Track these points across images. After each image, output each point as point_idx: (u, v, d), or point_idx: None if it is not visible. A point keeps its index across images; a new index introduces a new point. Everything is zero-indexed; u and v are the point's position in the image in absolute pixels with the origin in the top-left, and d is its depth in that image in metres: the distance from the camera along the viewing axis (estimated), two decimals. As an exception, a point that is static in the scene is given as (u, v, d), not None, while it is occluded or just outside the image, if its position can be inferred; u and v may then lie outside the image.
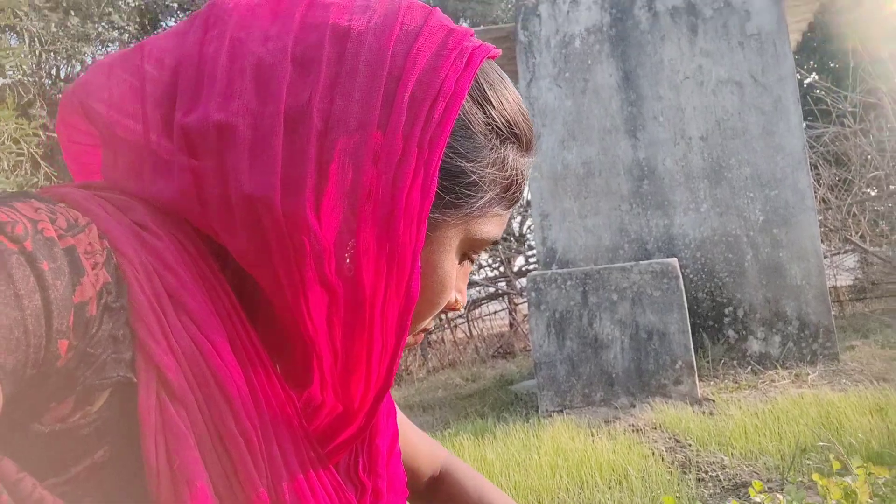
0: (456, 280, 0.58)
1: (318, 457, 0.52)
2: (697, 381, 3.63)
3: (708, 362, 4.16)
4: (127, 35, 6.58)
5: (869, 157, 7.15)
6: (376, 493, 0.61)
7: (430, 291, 0.55)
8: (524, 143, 0.56)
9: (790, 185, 4.28)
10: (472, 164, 0.52)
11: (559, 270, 3.92)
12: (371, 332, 0.50)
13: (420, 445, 0.87)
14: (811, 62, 12.25)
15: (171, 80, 0.50)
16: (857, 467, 1.63)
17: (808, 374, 3.79)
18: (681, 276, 3.71)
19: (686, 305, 3.67)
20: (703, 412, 3.29)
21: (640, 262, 3.82)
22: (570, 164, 4.63)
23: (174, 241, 0.47)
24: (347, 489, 0.58)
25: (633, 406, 3.55)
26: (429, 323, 0.59)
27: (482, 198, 0.53)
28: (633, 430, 3.14)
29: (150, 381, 0.44)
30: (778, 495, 1.63)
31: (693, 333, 3.73)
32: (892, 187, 7.35)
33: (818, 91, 7.88)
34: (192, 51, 0.50)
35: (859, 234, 7.00)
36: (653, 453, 2.77)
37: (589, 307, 3.74)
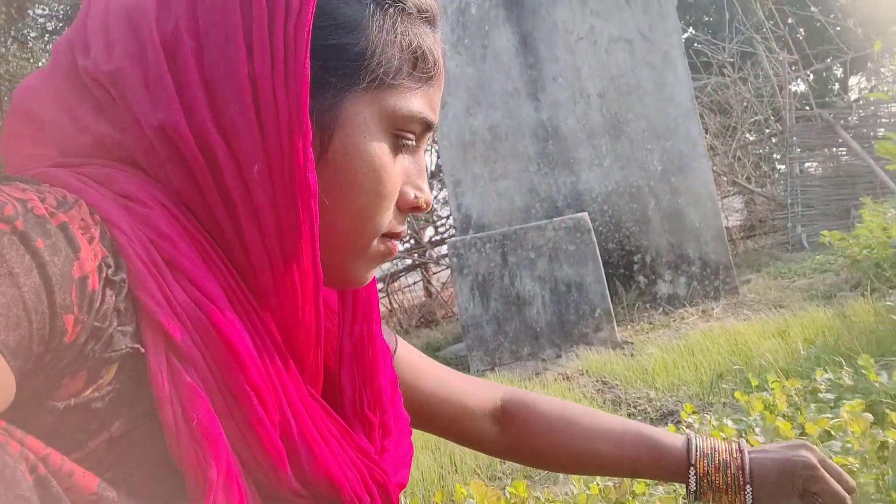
0: (408, 175, 0.58)
1: (320, 405, 0.54)
2: (616, 327, 3.84)
3: (623, 308, 4.39)
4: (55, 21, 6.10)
5: (747, 103, 7.64)
6: (384, 428, 0.64)
7: (361, 177, 0.54)
8: (416, 11, 0.56)
9: (683, 135, 4.53)
10: (352, 34, 0.52)
11: (478, 234, 4.02)
12: (280, 228, 0.51)
13: (461, 384, 0.86)
14: (688, 17, 12.83)
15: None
16: (773, 381, 1.81)
17: (714, 309, 4.08)
18: (592, 229, 3.89)
19: (599, 256, 3.86)
20: (625, 354, 3.50)
21: (554, 219, 3.97)
22: (477, 130, 4.72)
23: (159, 206, 0.48)
24: (355, 430, 0.60)
25: (559, 356, 3.72)
26: (391, 223, 0.58)
27: (378, 66, 0.53)
28: (563, 378, 3.30)
29: (159, 347, 0.45)
30: (705, 416, 1.78)
31: (607, 282, 3.93)
32: (767, 131, 7.89)
33: (697, 44, 8.31)
34: (82, 15, 0.54)
35: (745, 176, 7.49)
36: (584, 396, 2.93)
37: (509, 267, 3.87)
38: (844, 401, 1.65)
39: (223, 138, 0.49)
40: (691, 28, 13.02)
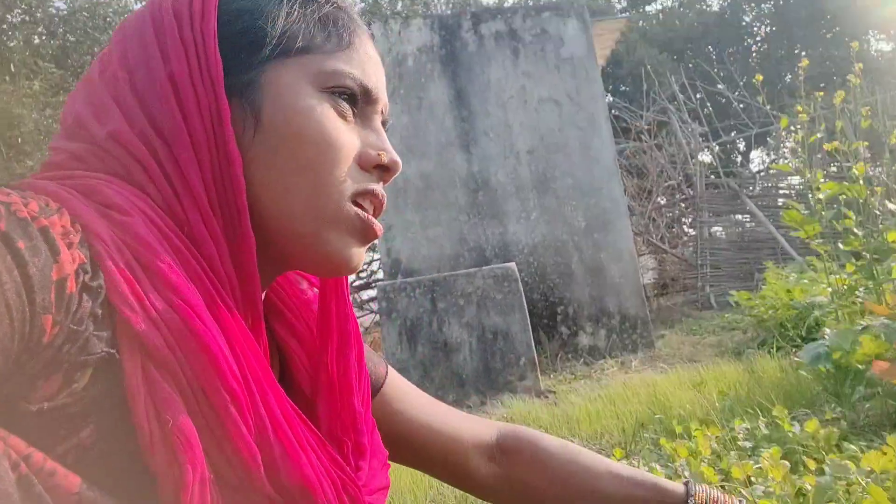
0: (365, 140, 0.59)
1: (296, 412, 0.53)
2: (539, 375, 3.91)
3: (546, 357, 4.49)
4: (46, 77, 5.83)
5: (662, 168, 8.08)
6: (358, 448, 0.63)
7: (299, 130, 0.55)
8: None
9: (606, 194, 4.75)
10: (256, 17, 0.57)
11: (408, 279, 4.05)
12: (214, 205, 0.53)
13: (455, 417, 0.82)
14: (607, 84, 13.56)
15: None
16: (695, 430, 1.90)
17: (632, 361, 4.23)
18: (519, 279, 3.99)
19: (525, 306, 3.95)
20: (548, 402, 3.57)
21: (483, 267, 4.05)
22: (410, 178, 4.79)
23: (140, 215, 0.49)
24: (328, 445, 0.59)
25: (484, 403, 3.75)
26: (357, 182, 0.58)
27: (285, 35, 0.56)
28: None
29: (134, 352, 0.45)
30: (632, 461, 1.85)
31: (532, 331, 4.02)
32: (679, 195, 8.35)
33: (615, 110, 8.77)
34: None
35: (658, 236, 7.87)
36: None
37: (438, 313, 3.90)
38: (762, 449, 1.75)
39: (160, 136, 0.53)
40: (609, 95, 13.75)
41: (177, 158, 0.52)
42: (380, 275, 6.83)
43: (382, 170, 0.59)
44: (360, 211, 0.58)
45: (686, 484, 0.78)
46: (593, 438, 2.84)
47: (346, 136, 0.57)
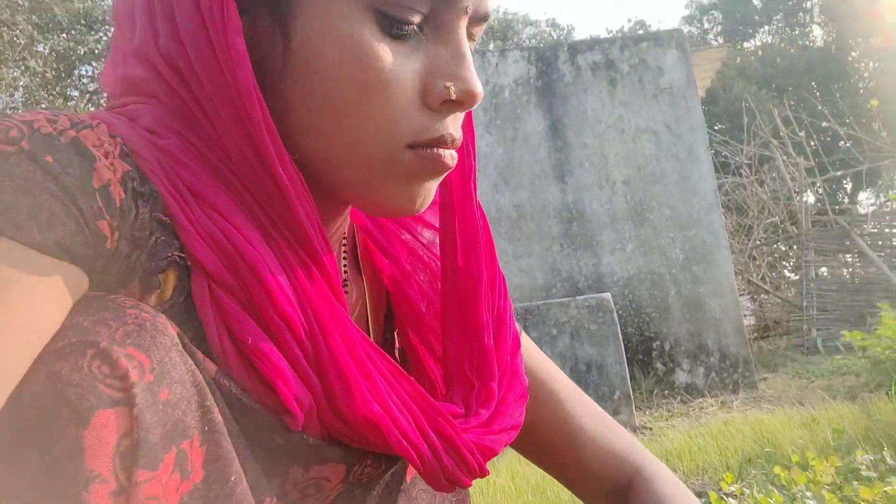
0: (433, 63, 0.46)
1: (369, 343, 0.48)
2: (634, 410, 3.79)
3: (641, 393, 4.34)
4: (41, 79, 6.42)
5: (763, 205, 7.78)
6: (486, 393, 0.55)
7: (337, 67, 0.45)
8: None
9: (705, 226, 4.60)
10: None
11: (500, 307, 4.04)
12: (238, 128, 0.45)
13: (599, 441, 0.67)
14: (708, 119, 13.25)
15: None
16: (812, 459, 1.78)
17: (733, 401, 4.03)
18: (615, 310, 3.90)
19: (621, 338, 3.85)
20: (644, 438, 3.44)
21: (577, 297, 3.99)
22: (504, 208, 4.81)
23: (183, 141, 0.45)
24: (453, 391, 0.55)
25: (577, 436, 3.66)
26: (418, 126, 0.47)
27: None
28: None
29: (198, 270, 0.43)
30: (745, 489, 1.75)
31: (626, 366, 3.91)
32: (782, 234, 8.00)
33: (714, 144, 8.55)
34: None
35: (760, 276, 7.54)
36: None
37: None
38: (888, 480, 1.62)
39: (184, 52, 0.46)
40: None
41: (201, 81, 0.45)
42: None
43: (455, 104, 0.47)
44: (425, 156, 0.47)
45: None
46: (694, 474, 2.71)
47: (400, 68, 0.45)
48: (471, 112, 0.52)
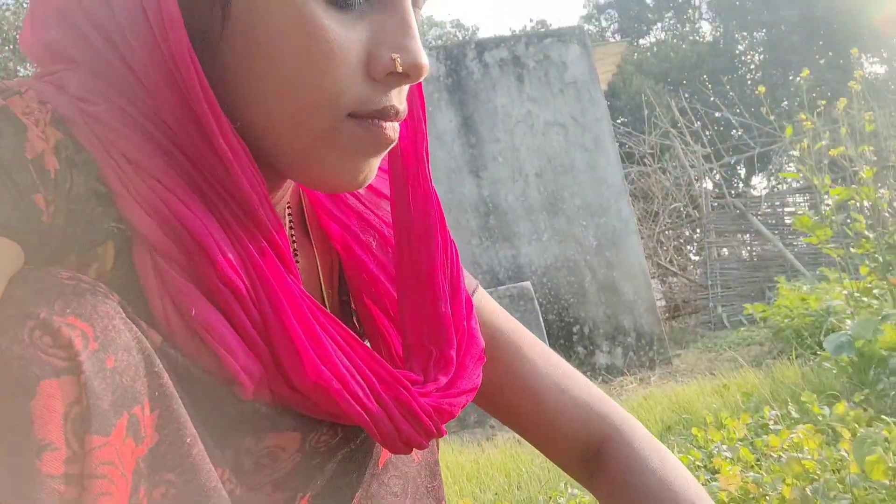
0: (377, 33, 0.45)
1: (319, 310, 0.47)
2: (559, 393, 3.91)
3: (564, 377, 4.49)
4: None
5: (667, 192, 8.16)
6: (442, 359, 0.54)
7: (277, 33, 0.43)
8: None
9: (615, 213, 4.80)
10: None
11: (424, 302, 4.09)
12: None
13: (566, 397, 0.64)
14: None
15: None
16: (725, 418, 1.91)
17: (651, 377, 4.23)
18: (535, 297, 4.02)
19: (543, 325, 3.97)
20: (570, 418, 3.56)
21: (498, 287, 4.09)
22: (421, 205, 4.87)
23: (116, 108, 0.43)
24: (413, 360, 0.55)
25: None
26: (360, 96, 0.45)
27: None
28: (515, 443, 3.32)
29: (139, 239, 0.42)
30: (667, 451, 1.86)
31: (550, 350, 4.03)
32: (685, 218, 8.42)
33: (618, 135, 8.90)
34: None
35: (668, 259, 7.91)
36: (535, 460, 2.96)
37: (456, 334, 3.93)
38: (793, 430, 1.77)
39: (112, 13, 0.44)
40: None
41: (129, 41, 0.43)
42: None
43: (401, 76, 0.45)
44: (367, 128, 0.46)
45: None
46: (620, 446, 2.84)
47: (344, 37, 0.43)
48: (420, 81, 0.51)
